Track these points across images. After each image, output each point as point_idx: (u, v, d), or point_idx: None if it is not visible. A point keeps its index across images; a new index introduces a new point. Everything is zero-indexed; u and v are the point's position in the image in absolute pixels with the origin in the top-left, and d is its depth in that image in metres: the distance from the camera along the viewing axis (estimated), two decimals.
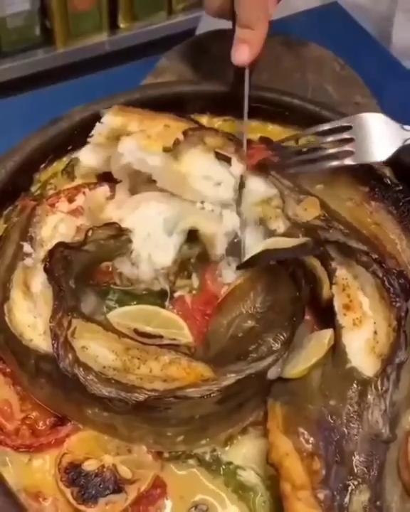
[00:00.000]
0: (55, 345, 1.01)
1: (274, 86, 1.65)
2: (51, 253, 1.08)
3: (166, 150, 1.24)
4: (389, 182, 1.28)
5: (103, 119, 1.35)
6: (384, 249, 1.20)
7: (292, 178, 1.27)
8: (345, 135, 1.29)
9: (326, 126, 1.32)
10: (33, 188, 1.39)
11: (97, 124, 1.35)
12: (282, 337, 1.07)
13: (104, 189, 1.26)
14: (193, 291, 1.25)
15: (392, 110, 1.66)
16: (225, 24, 1.64)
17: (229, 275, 1.24)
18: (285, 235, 1.22)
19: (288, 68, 1.72)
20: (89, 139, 1.35)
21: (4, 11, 3.61)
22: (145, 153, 1.24)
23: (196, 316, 1.21)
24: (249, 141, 1.40)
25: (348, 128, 1.30)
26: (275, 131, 1.51)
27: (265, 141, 1.39)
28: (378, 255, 1.14)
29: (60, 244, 1.09)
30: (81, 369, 1.00)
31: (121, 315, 1.14)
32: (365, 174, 1.29)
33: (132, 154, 1.25)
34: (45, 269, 1.07)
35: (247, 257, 1.20)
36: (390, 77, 1.82)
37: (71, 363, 1.00)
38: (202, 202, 1.23)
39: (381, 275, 1.12)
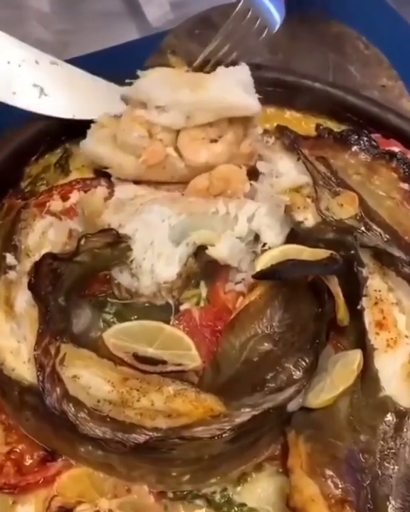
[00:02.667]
0: (41, 378, 0.86)
1: (292, 66, 1.51)
2: (37, 266, 0.93)
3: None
4: None
5: None
6: None
7: (327, 163, 1.11)
8: None
9: None
10: (22, 184, 1.25)
11: None
12: (304, 363, 0.93)
13: (101, 191, 1.10)
14: (202, 302, 1.11)
15: None
16: None
17: (241, 286, 1.10)
18: (313, 230, 1.06)
19: (306, 47, 1.57)
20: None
21: None
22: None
23: (204, 332, 1.06)
24: (265, 131, 1.25)
25: None
26: (294, 119, 1.36)
27: (282, 129, 1.22)
28: None
29: (48, 256, 0.94)
30: (71, 405, 0.86)
31: (119, 333, 0.99)
32: (407, 168, 1.12)
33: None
34: (30, 286, 0.92)
35: (263, 259, 1.05)
36: None
37: (59, 398, 0.86)
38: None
39: None
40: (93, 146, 1.21)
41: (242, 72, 1.19)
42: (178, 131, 1.21)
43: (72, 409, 0.86)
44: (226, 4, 1.66)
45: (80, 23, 1.69)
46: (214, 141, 1.20)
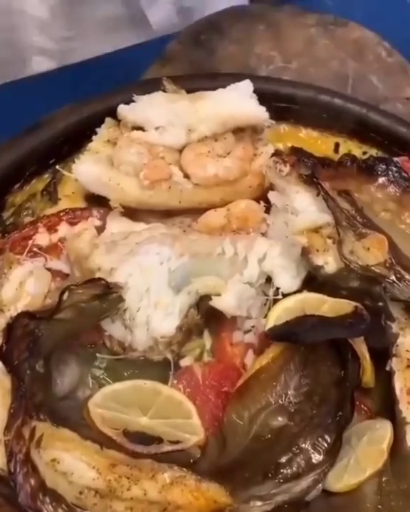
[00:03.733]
0: (12, 469, 0.73)
1: (307, 76, 1.38)
2: (10, 329, 0.79)
3: None
4: None
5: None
6: None
7: (352, 199, 0.98)
8: None
9: None
10: (4, 214, 1.12)
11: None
12: (324, 444, 0.79)
13: (89, 233, 0.96)
14: (205, 355, 0.97)
15: None
16: None
17: (251, 336, 0.96)
18: (335, 277, 0.92)
19: (324, 54, 1.45)
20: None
21: None
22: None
23: (208, 394, 0.93)
24: (277, 153, 1.11)
25: None
26: (311, 138, 1.22)
27: (297, 152, 1.08)
28: None
29: (24, 315, 0.81)
30: (48, 500, 0.73)
31: (108, 398, 0.86)
32: None
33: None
34: (1, 355, 0.78)
35: (275, 311, 0.91)
36: None
37: (34, 493, 0.73)
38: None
39: None
40: (89, 167, 1.07)
41: (244, 87, 1.09)
42: (181, 151, 1.08)
43: (49, 506, 0.72)
44: (235, 7, 1.53)
45: (81, 29, 1.58)
46: (221, 156, 1.09)
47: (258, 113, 1.09)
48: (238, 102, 1.08)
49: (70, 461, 0.76)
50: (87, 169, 1.09)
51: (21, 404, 0.76)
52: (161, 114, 1.08)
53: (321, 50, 1.44)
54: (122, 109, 1.09)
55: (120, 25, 1.59)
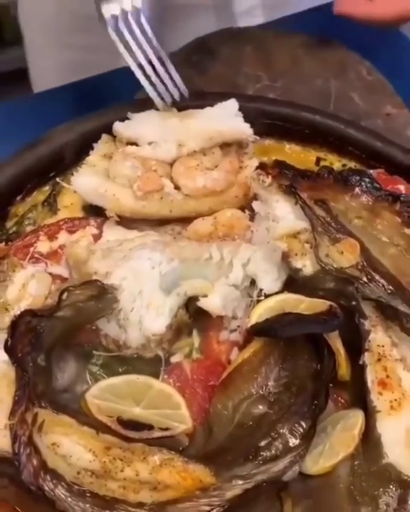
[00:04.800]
0: (16, 450, 0.80)
1: (292, 94, 1.45)
2: (14, 325, 0.87)
3: None
4: None
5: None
6: None
7: (327, 207, 1.05)
8: None
9: None
10: (8, 224, 1.19)
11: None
12: (301, 429, 0.86)
13: (86, 240, 1.04)
14: (194, 353, 1.05)
15: None
16: None
17: (236, 334, 1.04)
18: (312, 278, 1.00)
19: (308, 73, 1.51)
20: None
21: None
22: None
23: (196, 388, 1.00)
24: (262, 165, 1.19)
25: None
26: (294, 152, 1.30)
27: (280, 165, 1.16)
28: None
29: (27, 313, 0.88)
30: (49, 478, 0.80)
31: (104, 391, 0.93)
32: None
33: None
34: (7, 348, 0.86)
35: (257, 310, 0.99)
36: None
37: (36, 472, 0.80)
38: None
39: None
40: (87, 179, 1.15)
41: (230, 105, 1.17)
42: (172, 165, 1.16)
43: (50, 483, 0.80)
44: (224, 29, 1.61)
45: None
46: (210, 169, 1.16)
47: (243, 129, 1.16)
48: (224, 119, 1.16)
49: (68, 445, 0.83)
50: (85, 181, 1.16)
51: (25, 392, 0.84)
52: (153, 131, 1.15)
53: (305, 69, 1.51)
54: (118, 126, 1.16)
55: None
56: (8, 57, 3.62)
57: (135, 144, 1.16)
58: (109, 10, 1.15)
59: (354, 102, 1.49)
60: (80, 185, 1.15)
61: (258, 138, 1.20)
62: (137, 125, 1.14)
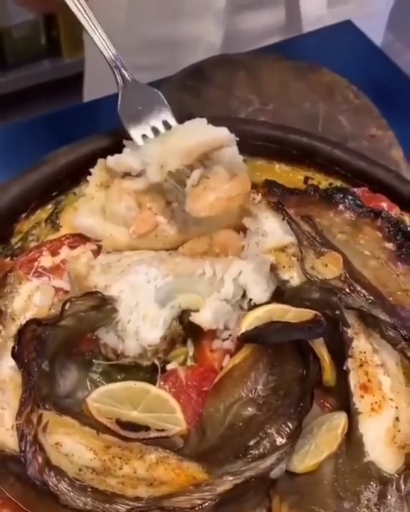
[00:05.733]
0: (22, 447, 0.87)
1: (282, 117, 1.53)
2: (21, 333, 0.93)
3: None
4: None
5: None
6: None
7: (312, 222, 1.12)
8: None
9: None
10: (13, 240, 1.25)
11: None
12: (287, 429, 0.93)
13: (87, 256, 1.11)
14: (189, 361, 1.11)
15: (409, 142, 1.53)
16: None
17: (228, 343, 1.10)
18: (299, 289, 1.06)
19: (297, 97, 1.58)
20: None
21: (10, 21, 3.56)
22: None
23: (191, 393, 1.06)
24: (253, 184, 1.26)
25: None
26: (283, 172, 1.37)
27: (270, 184, 1.23)
28: (406, 330, 0.99)
29: (32, 322, 0.95)
30: (53, 474, 0.86)
31: (103, 395, 1.00)
32: (392, 227, 1.13)
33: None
34: (14, 354, 0.93)
35: (247, 319, 1.05)
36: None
37: (41, 468, 0.86)
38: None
39: None
40: (84, 218, 1.21)
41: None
42: (169, 203, 1.21)
43: (54, 479, 0.86)
44: (218, 55, 1.70)
45: None
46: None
47: (219, 134, 1.17)
48: (200, 129, 1.18)
49: (71, 444, 0.89)
50: (84, 221, 1.21)
51: (30, 395, 0.90)
52: (139, 160, 1.19)
53: (295, 93, 1.58)
54: (110, 162, 1.21)
55: None
56: (7, 79, 3.76)
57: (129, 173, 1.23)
58: (138, 132, 1.21)
59: (341, 124, 1.57)
60: (80, 225, 1.21)
61: (244, 158, 1.26)
62: (126, 157, 1.19)
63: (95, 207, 1.20)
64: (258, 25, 1.85)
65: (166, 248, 1.17)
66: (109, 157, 1.21)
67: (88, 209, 1.19)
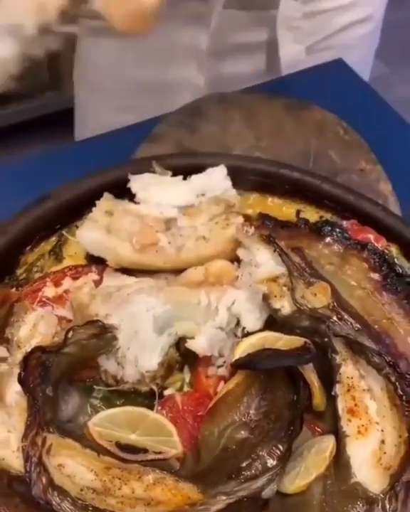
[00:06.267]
0: (28, 468, 0.92)
1: (275, 153, 1.60)
2: (26, 360, 0.99)
3: None
4: (401, 271, 1.20)
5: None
6: (396, 350, 1.09)
7: (302, 254, 1.18)
8: None
9: None
10: (18, 271, 1.31)
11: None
12: (278, 451, 0.98)
13: (88, 286, 1.17)
14: (185, 387, 1.16)
15: (397, 176, 1.60)
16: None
17: (223, 370, 1.16)
18: (289, 318, 1.12)
19: (290, 133, 1.65)
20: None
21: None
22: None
23: (187, 418, 1.11)
24: (247, 218, 1.33)
25: None
26: (276, 205, 1.43)
27: (263, 217, 1.30)
28: (390, 356, 1.05)
29: (37, 349, 1.01)
30: (56, 493, 0.91)
31: (104, 420, 1.05)
32: (378, 259, 1.20)
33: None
34: (20, 380, 0.98)
35: (241, 347, 1.11)
36: (398, 140, 1.75)
37: (45, 488, 0.91)
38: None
39: (394, 380, 1.03)
40: (90, 233, 1.28)
41: (220, 170, 1.30)
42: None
43: (57, 498, 0.91)
44: (214, 94, 1.77)
45: None
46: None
47: (230, 192, 1.31)
48: (214, 181, 1.32)
49: (73, 466, 0.95)
50: (88, 234, 1.29)
51: (36, 418, 0.95)
52: (154, 193, 1.30)
53: (287, 130, 1.66)
54: (134, 186, 1.32)
55: None
56: (12, 112, 3.82)
57: (133, 201, 1.30)
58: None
59: (331, 159, 1.64)
60: (84, 238, 1.27)
61: (238, 192, 1.34)
62: (146, 187, 1.30)
63: (100, 226, 1.27)
64: (239, 69, 1.93)
65: (167, 267, 1.24)
66: (133, 182, 1.30)
67: (93, 226, 1.26)
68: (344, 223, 1.30)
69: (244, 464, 0.97)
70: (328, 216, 1.40)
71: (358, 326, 1.08)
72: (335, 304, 1.10)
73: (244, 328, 1.15)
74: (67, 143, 2.02)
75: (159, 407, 1.12)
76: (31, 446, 0.93)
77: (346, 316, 1.08)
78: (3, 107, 3.85)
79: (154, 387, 1.12)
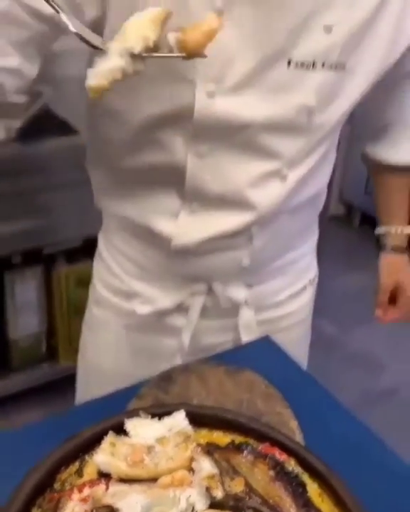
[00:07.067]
0: None
1: (220, 403, 2.26)
2: None
3: None
4: (290, 469, 1.96)
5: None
6: None
7: (229, 461, 1.92)
8: None
9: None
10: (55, 485, 2.02)
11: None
12: None
13: (101, 489, 1.90)
14: None
15: (302, 416, 2.37)
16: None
17: None
18: (221, 500, 1.72)
19: (229, 390, 2.34)
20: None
21: (18, 333, 4.33)
22: None
23: None
24: (198, 444, 2.09)
25: None
26: (218, 436, 2.17)
27: (208, 443, 2.08)
28: None
29: None
30: None
31: None
32: (274, 464, 1.90)
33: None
34: None
35: None
36: (304, 392, 2.54)
37: None
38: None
39: None
40: (102, 457, 2.01)
41: (181, 414, 2.09)
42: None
43: None
44: (180, 365, 2.61)
45: None
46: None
47: (187, 428, 1.91)
48: (178, 422, 2.05)
49: None
50: (100, 458, 2.01)
51: None
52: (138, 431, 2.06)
53: (228, 388, 2.24)
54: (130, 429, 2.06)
55: None
56: (12, 382, 4.41)
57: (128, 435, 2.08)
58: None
59: (257, 407, 2.30)
60: (99, 461, 2.03)
61: (193, 428, 2.10)
62: (135, 426, 2.02)
63: (107, 452, 2.01)
64: (210, 343, 2.77)
65: (149, 476, 1.90)
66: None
67: (102, 452, 2.01)
68: (260, 446, 2.08)
69: None
70: (251, 440, 2.15)
71: (260, 500, 1.82)
72: (248, 489, 1.85)
73: (197, 511, 1.89)
74: (67, 406, 2.61)
75: None
76: None
77: (254, 496, 1.83)
78: (6, 377, 4.33)
79: None
